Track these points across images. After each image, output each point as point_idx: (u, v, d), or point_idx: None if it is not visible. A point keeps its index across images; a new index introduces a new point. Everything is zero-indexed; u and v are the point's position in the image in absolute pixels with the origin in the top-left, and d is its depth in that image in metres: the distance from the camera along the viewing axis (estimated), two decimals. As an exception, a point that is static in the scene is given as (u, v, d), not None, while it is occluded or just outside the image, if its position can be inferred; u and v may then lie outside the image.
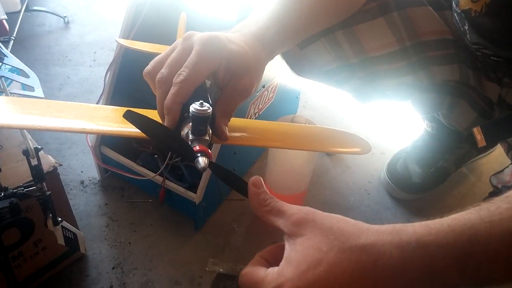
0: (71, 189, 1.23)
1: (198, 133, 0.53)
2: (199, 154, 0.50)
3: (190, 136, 0.53)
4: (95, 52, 1.82)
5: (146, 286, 1.02)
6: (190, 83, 0.56)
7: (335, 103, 1.62)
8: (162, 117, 0.58)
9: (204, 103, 0.52)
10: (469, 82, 0.93)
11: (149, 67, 0.61)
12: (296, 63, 0.95)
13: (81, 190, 1.24)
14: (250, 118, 1.13)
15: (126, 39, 1.08)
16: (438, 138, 1.22)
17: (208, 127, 0.54)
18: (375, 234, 0.44)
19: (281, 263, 0.46)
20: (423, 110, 1.04)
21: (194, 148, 0.51)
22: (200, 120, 0.52)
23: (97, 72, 1.71)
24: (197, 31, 0.67)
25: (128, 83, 1.16)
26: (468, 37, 0.82)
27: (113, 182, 1.27)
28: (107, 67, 1.12)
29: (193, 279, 1.04)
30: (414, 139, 1.30)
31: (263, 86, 1.11)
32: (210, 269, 1.06)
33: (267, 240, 1.14)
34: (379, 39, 0.89)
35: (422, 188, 1.27)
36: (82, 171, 1.30)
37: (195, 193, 1.08)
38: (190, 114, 0.52)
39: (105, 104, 1.14)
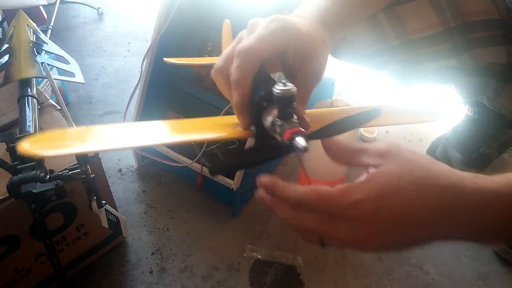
0: (109, 177, 1.24)
1: (287, 116, 0.49)
2: (294, 136, 0.46)
3: (278, 122, 0.49)
4: (129, 43, 1.83)
5: (185, 271, 1.02)
6: (255, 52, 0.52)
7: (369, 90, 1.59)
8: (240, 110, 0.53)
9: (286, 82, 0.49)
10: None
11: (219, 62, 0.56)
12: (335, 46, 0.94)
13: (119, 178, 1.25)
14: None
15: (161, 27, 1.09)
16: (480, 123, 1.19)
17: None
18: (457, 176, 0.45)
19: (360, 181, 0.45)
20: (467, 94, 1.01)
21: (286, 133, 0.47)
22: (287, 101, 0.49)
23: (131, 62, 1.72)
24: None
25: (163, 70, 1.16)
26: None
27: (150, 170, 1.28)
28: (143, 55, 1.12)
29: (232, 265, 1.04)
30: (454, 125, 1.27)
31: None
32: (248, 255, 1.05)
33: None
34: (422, 21, 0.86)
35: (462, 175, 1.23)
36: (119, 159, 1.31)
37: (233, 179, 1.07)
38: (275, 96, 0.48)
39: (142, 91, 1.15)
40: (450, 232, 0.45)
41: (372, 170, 0.46)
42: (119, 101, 1.52)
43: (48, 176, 0.69)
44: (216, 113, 1.06)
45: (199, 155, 1.11)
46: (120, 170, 1.27)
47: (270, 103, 0.51)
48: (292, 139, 0.46)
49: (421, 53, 0.90)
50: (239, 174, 1.06)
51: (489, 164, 1.25)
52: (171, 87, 1.21)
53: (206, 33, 1.15)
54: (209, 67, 1.17)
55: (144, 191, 1.21)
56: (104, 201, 0.77)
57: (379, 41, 0.90)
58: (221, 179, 1.09)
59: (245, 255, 1.05)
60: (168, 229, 1.11)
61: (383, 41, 0.90)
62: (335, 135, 0.48)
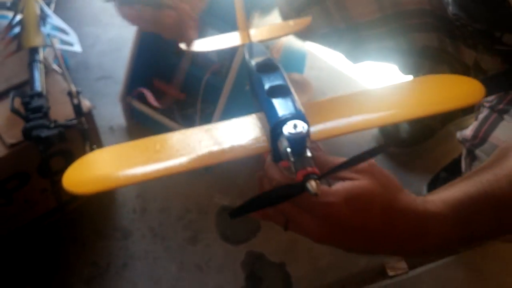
0: (102, 133, 1.39)
1: (299, 153, 0.47)
2: (306, 179, 0.45)
3: (291, 158, 0.47)
4: (124, 14, 1.95)
5: (163, 212, 1.23)
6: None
7: (342, 63, 1.64)
8: None
9: (297, 123, 0.47)
10: (447, 49, 1.04)
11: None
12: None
13: (110, 134, 1.41)
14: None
15: None
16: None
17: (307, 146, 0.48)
18: (412, 203, 0.55)
19: (336, 187, 0.51)
20: (406, 72, 1.18)
21: (298, 174, 0.46)
22: (298, 143, 0.47)
23: (125, 32, 1.83)
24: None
25: (151, 37, 1.20)
26: (450, 8, 0.87)
27: (139, 129, 1.42)
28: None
29: (202, 209, 1.24)
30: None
31: (267, 47, 1.22)
32: (216, 201, 1.26)
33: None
34: (364, 7, 1.01)
35: (409, 143, 1.37)
36: (111, 119, 1.45)
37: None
38: (286, 136, 0.47)
39: (131, 58, 1.28)
40: (398, 248, 0.55)
41: (347, 182, 0.52)
42: (113, 67, 1.66)
43: (53, 124, 0.88)
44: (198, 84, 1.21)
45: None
46: (111, 128, 1.43)
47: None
48: (304, 181, 0.45)
49: (363, 35, 1.04)
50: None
51: (433, 134, 1.38)
52: (158, 55, 1.32)
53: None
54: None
55: (132, 147, 1.38)
56: (95, 145, 0.96)
57: (329, 24, 1.04)
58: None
59: (214, 201, 1.25)
60: (151, 178, 1.30)
61: (332, 24, 1.04)
62: (349, 167, 0.50)
